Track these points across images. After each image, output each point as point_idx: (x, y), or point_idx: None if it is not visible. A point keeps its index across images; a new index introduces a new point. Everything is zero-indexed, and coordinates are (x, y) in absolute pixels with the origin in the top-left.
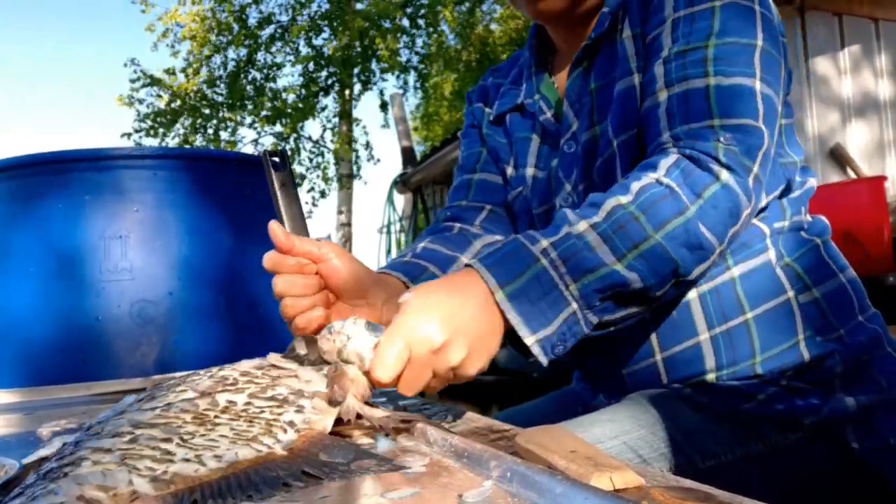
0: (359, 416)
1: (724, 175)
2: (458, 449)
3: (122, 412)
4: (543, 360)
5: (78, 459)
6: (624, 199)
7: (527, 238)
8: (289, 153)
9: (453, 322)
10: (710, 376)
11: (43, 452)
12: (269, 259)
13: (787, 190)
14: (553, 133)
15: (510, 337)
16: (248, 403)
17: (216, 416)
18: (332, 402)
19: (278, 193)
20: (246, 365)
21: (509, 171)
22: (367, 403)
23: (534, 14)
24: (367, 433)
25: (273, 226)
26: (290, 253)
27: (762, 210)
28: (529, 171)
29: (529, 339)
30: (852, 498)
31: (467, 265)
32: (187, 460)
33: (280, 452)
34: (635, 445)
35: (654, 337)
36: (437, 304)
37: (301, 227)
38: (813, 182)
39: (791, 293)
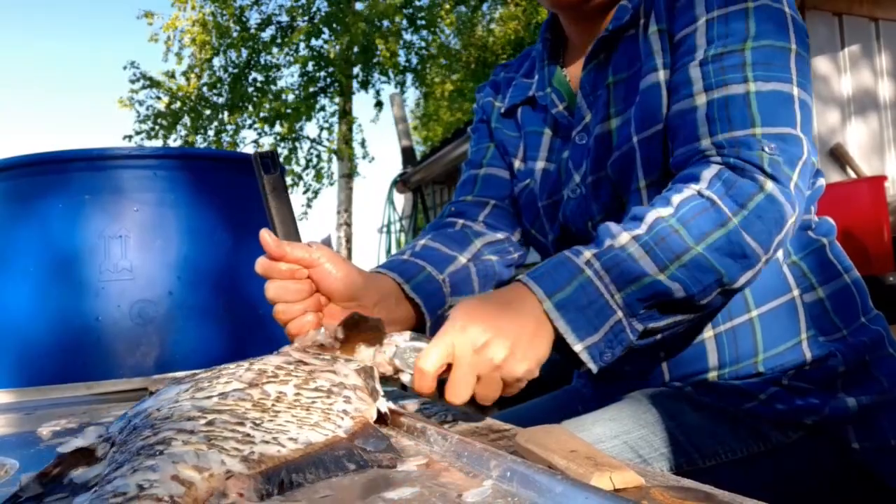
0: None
1: (769, 185)
2: (458, 449)
3: (177, 401)
4: (593, 367)
5: (166, 439)
6: (665, 212)
7: (571, 251)
8: (280, 154)
9: (497, 323)
10: (713, 374)
11: (79, 443)
12: (260, 265)
13: None
14: (565, 126)
15: (558, 347)
16: (297, 394)
17: (273, 405)
18: (372, 395)
19: (269, 196)
20: (273, 359)
21: (517, 164)
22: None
23: (551, 3)
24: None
25: (264, 233)
26: (281, 259)
27: None
28: (539, 164)
29: (578, 346)
30: (853, 498)
31: (517, 280)
32: (266, 442)
33: (343, 436)
34: (636, 445)
35: (659, 336)
36: (483, 310)
37: (292, 231)
38: (822, 182)
39: (796, 292)
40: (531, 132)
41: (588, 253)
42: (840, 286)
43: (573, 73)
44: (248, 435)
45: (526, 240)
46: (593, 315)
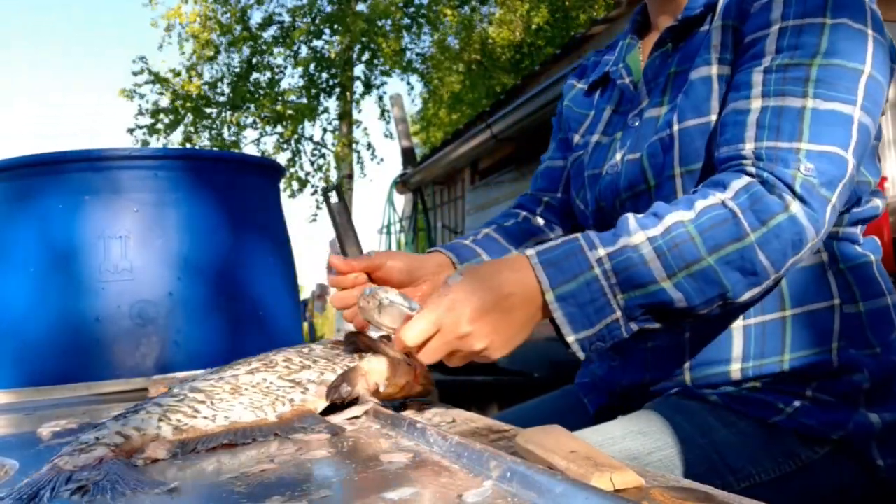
0: (355, 401)
1: (795, 206)
2: (458, 449)
3: (194, 380)
4: (581, 355)
5: (138, 409)
6: (686, 216)
7: (586, 241)
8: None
9: (486, 316)
10: (735, 366)
11: None
12: (331, 281)
13: (854, 205)
14: (628, 99)
15: (551, 320)
16: (271, 382)
17: (246, 389)
18: (331, 391)
19: (337, 220)
20: (292, 352)
21: (577, 138)
22: (376, 393)
23: None
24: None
25: (332, 259)
26: (350, 272)
27: None
28: (595, 137)
29: (570, 338)
30: None
31: (529, 256)
32: (206, 417)
33: (272, 419)
34: (671, 463)
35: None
36: (477, 294)
37: (356, 245)
38: (878, 203)
39: (837, 301)
40: (601, 109)
41: (602, 251)
42: (881, 305)
43: (648, 56)
44: (197, 411)
45: (571, 209)
46: (592, 312)
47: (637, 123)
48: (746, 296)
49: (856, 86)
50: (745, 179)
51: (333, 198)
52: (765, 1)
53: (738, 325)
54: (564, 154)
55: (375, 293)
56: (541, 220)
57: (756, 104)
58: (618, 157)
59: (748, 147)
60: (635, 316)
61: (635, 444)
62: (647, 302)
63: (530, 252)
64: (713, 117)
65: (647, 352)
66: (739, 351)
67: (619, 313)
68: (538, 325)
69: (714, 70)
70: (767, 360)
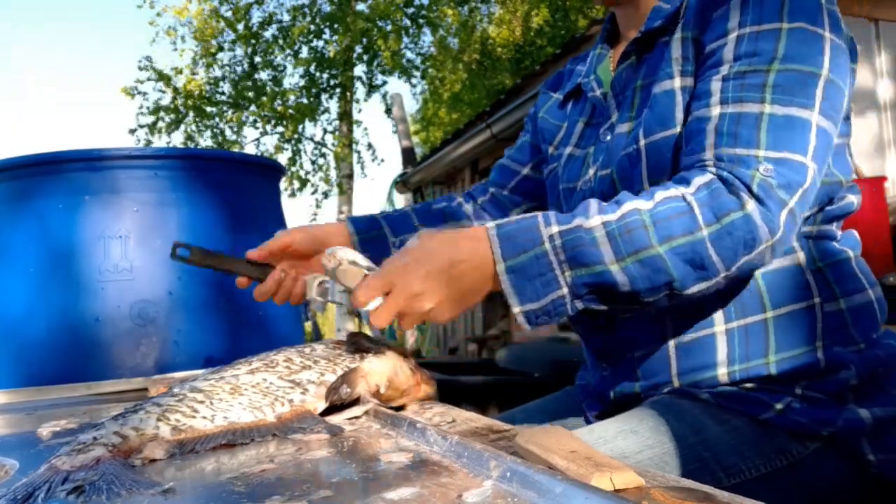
0: (355, 402)
1: (750, 206)
2: (458, 449)
3: (194, 380)
4: (526, 327)
5: (137, 409)
6: (644, 205)
7: (544, 218)
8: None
9: (439, 278)
10: (722, 370)
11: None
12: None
13: (827, 202)
14: (599, 112)
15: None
16: (271, 382)
17: (246, 389)
18: (331, 392)
19: None
20: (293, 352)
21: (551, 149)
22: (377, 395)
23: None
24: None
25: (248, 253)
26: (268, 257)
27: None
28: (568, 149)
29: (516, 308)
30: None
31: (488, 228)
32: (204, 417)
33: (270, 420)
34: (661, 461)
35: (669, 323)
36: (432, 257)
37: None
38: (853, 199)
39: (818, 299)
40: (574, 121)
41: (555, 227)
42: (863, 301)
43: (615, 68)
44: (196, 410)
45: (514, 207)
46: (540, 285)
47: (608, 138)
48: (694, 289)
49: (814, 90)
50: (708, 176)
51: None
52: (722, 11)
53: (720, 329)
54: (527, 159)
55: (335, 253)
56: (469, 209)
57: (715, 111)
58: (591, 172)
59: (709, 154)
60: (580, 294)
61: (626, 442)
62: (593, 281)
63: (490, 224)
64: (678, 129)
65: (635, 361)
66: (724, 355)
67: (565, 290)
68: (488, 292)
69: (677, 83)
70: (753, 362)
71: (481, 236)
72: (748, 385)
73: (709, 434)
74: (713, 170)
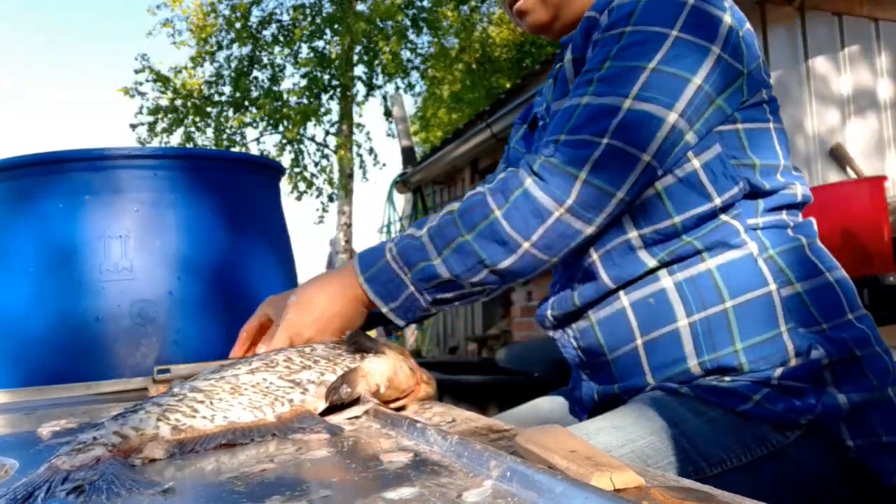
0: (355, 402)
1: (528, 181)
2: (458, 449)
3: (194, 379)
4: (400, 323)
5: (137, 408)
6: (454, 206)
7: (392, 238)
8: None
9: (322, 319)
10: (693, 362)
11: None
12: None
13: (759, 191)
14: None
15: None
16: (271, 382)
17: (246, 388)
18: (331, 392)
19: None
20: (293, 352)
21: None
22: (377, 395)
23: (525, 28)
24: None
25: (233, 351)
26: (251, 341)
27: (731, 208)
28: None
29: (384, 309)
30: (854, 498)
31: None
32: (204, 417)
33: (270, 419)
34: (643, 454)
35: (634, 323)
36: (311, 305)
37: None
38: (797, 188)
39: (773, 286)
40: (532, 146)
41: (391, 243)
42: (820, 283)
43: None
44: (196, 410)
45: None
46: (393, 288)
47: None
48: (507, 262)
49: (634, 79)
50: (511, 170)
51: None
52: (597, 28)
53: (683, 323)
54: None
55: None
56: None
57: (558, 107)
58: None
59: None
60: (422, 289)
61: (609, 437)
62: (426, 276)
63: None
64: None
65: (609, 363)
66: (691, 348)
67: (412, 288)
68: (365, 304)
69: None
70: (721, 351)
71: (348, 264)
72: (724, 378)
73: (688, 426)
74: (522, 162)
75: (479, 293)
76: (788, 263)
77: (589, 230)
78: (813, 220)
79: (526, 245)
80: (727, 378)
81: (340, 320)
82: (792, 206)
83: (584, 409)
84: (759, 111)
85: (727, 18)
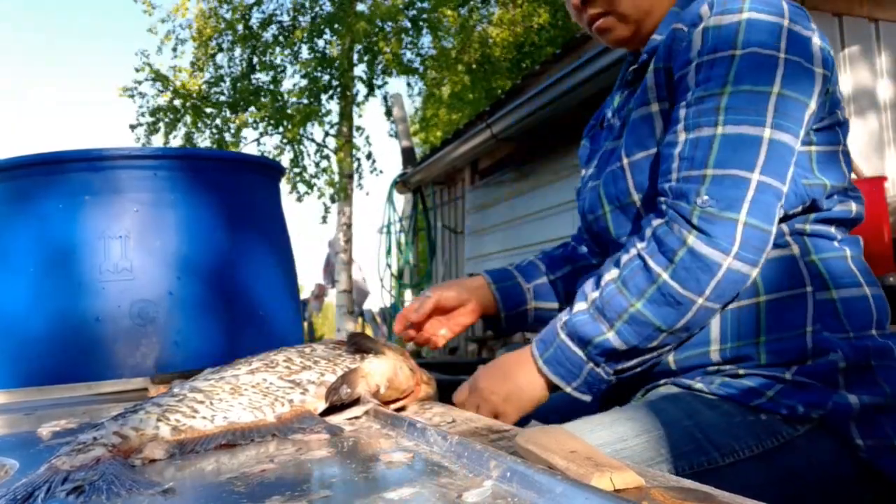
0: (355, 402)
1: (691, 239)
2: (458, 449)
3: (194, 379)
4: (587, 398)
5: (137, 409)
6: (613, 275)
7: (558, 317)
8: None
9: (496, 393)
10: (714, 347)
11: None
12: (404, 335)
13: (819, 208)
14: (609, 137)
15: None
16: (271, 383)
17: (246, 389)
18: (331, 392)
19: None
20: (293, 352)
21: (583, 171)
22: (377, 395)
23: (606, 43)
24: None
25: (396, 326)
26: (423, 320)
27: (784, 217)
28: (590, 170)
29: (568, 389)
30: (864, 497)
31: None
32: (204, 418)
33: (270, 420)
34: (658, 444)
35: None
36: (490, 378)
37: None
38: (852, 206)
39: (810, 288)
40: (595, 146)
41: (560, 322)
42: (856, 295)
43: None
44: (196, 410)
45: None
46: (572, 367)
47: (600, 156)
48: (683, 322)
49: (765, 107)
50: (656, 222)
51: None
52: (686, 42)
53: None
54: None
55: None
56: (584, 248)
57: (681, 137)
58: (590, 183)
59: (673, 177)
60: (600, 363)
61: (624, 427)
62: (602, 351)
63: (533, 339)
64: (657, 149)
65: None
66: (717, 333)
67: (590, 364)
68: (545, 386)
69: (654, 108)
70: (744, 341)
71: (528, 346)
72: (739, 371)
73: (702, 418)
74: (663, 207)
75: (658, 356)
76: (828, 270)
77: (755, 272)
78: (860, 238)
79: (700, 301)
80: (741, 371)
81: (520, 395)
82: (843, 222)
83: (588, 408)
84: (834, 134)
85: (816, 39)
